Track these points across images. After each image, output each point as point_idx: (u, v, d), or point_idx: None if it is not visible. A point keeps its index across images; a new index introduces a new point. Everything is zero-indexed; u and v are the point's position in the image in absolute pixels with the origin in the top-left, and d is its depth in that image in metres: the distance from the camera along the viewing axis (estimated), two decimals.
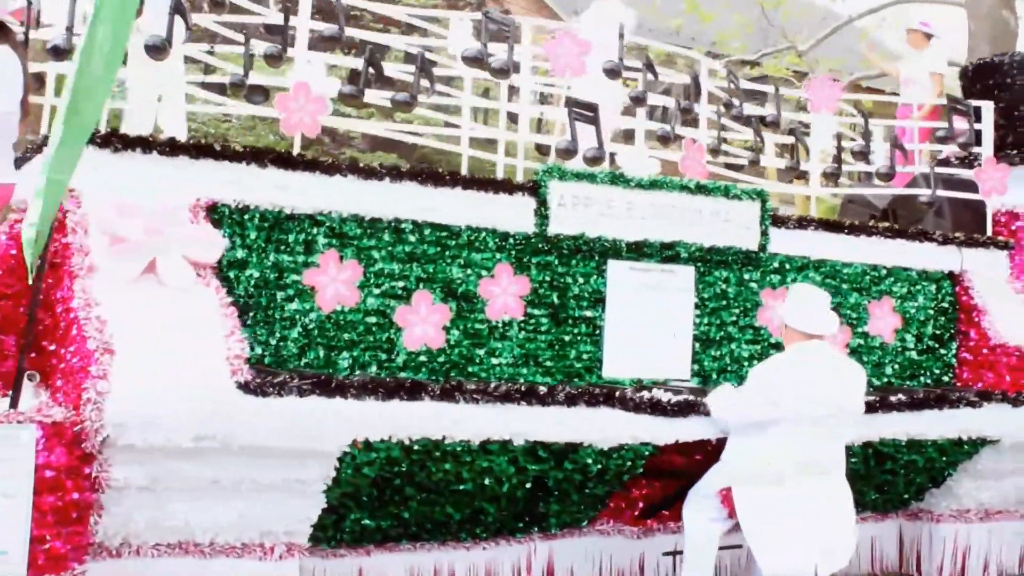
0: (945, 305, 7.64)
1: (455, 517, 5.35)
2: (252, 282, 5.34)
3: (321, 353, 5.51)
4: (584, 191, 6.13)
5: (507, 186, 5.94)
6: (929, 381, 7.52)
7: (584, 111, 6.32)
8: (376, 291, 5.63)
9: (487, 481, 5.19)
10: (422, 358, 5.75)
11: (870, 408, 5.93)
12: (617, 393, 5.22)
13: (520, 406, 4.95)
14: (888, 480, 6.59)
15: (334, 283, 5.53)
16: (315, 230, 5.50)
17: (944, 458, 6.56)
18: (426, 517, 5.29)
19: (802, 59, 17.01)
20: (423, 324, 5.74)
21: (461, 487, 5.17)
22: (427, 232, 5.77)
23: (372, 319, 5.61)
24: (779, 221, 6.86)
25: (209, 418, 4.22)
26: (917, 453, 6.38)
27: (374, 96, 6.16)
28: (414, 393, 4.71)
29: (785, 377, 5.12)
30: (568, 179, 6.08)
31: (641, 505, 6.01)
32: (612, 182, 6.20)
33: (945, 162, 8.67)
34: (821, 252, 7.06)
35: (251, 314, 5.32)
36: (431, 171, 5.72)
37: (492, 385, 4.92)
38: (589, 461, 5.32)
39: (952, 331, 7.65)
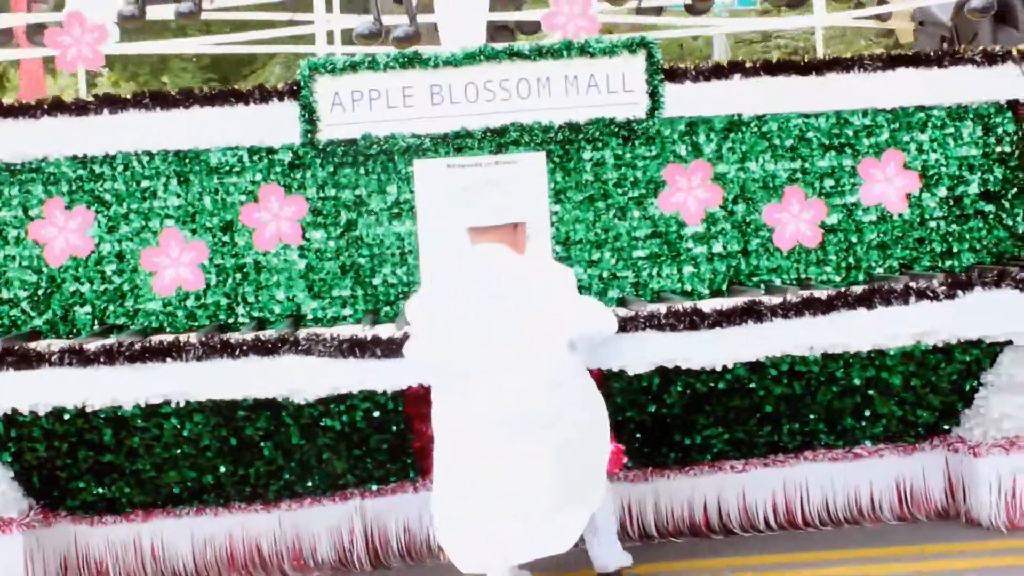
0: (1005, 149, 5.71)
1: (207, 480, 5.01)
2: None
3: (59, 311, 5.35)
4: (366, 82, 5.34)
5: (259, 94, 5.32)
6: (976, 259, 5.68)
7: None
8: (112, 236, 5.35)
9: (208, 443, 4.80)
10: (179, 302, 5.39)
11: (739, 315, 4.65)
12: (302, 336, 4.53)
13: (167, 363, 4.49)
14: (854, 405, 5.11)
15: (63, 233, 5.32)
16: (32, 178, 5.32)
17: (931, 374, 4.98)
18: (173, 482, 5.00)
19: None
20: (175, 266, 5.36)
21: (179, 451, 4.84)
22: (165, 163, 5.35)
23: (111, 267, 5.34)
24: (678, 75, 5.49)
25: None
26: (861, 367, 4.89)
27: (159, 13, 5.80)
28: (25, 362, 4.44)
29: (436, 313, 4.10)
30: (342, 71, 5.32)
31: None
32: (404, 65, 5.33)
33: None
34: (762, 104, 5.56)
35: None
36: (156, 93, 5.29)
37: (127, 343, 4.49)
38: (316, 413, 4.72)
39: (1021, 185, 5.71)
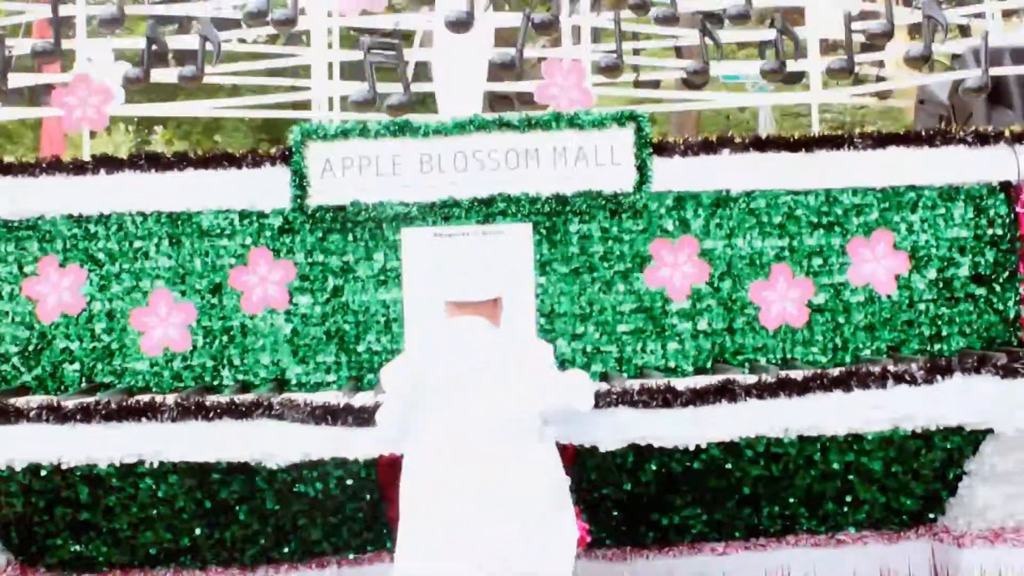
0: (997, 232, 5.70)
1: (184, 543, 5.05)
2: None
3: (48, 367, 5.47)
4: (357, 149, 5.45)
5: (252, 159, 5.45)
6: (966, 344, 5.65)
7: (383, 50, 5.60)
8: (103, 295, 5.47)
9: (183, 504, 4.86)
10: (166, 363, 5.49)
11: (713, 394, 4.65)
12: (276, 401, 4.60)
13: (142, 423, 4.57)
14: (835, 489, 5.07)
15: (56, 291, 5.45)
16: (28, 235, 5.46)
17: (912, 460, 4.94)
18: (150, 543, 5.04)
19: None
20: (163, 326, 5.46)
21: (155, 512, 4.90)
22: (158, 224, 5.48)
23: (101, 325, 5.45)
24: (666, 149, 5.56)
25: None
26: (839, 451, 4.86)
27: (162, 75, 5.96)
28: (3, 416, 4.56)
29: (411, 378, 4.15)
30: (333, 138, 5.43)
31: None
32: (395, 133, 5.44)
33: None
34: (751, 180, 5.59)
35: None
36: (152, 155, 5.43)
37: (104, 402, 4.59)
38: (289, 478, 4.78)
39: (1012, 269, 5.69)
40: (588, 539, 4.43)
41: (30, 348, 5.49)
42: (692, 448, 4.71)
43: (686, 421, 4.65)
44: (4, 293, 5.49)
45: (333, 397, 4.73)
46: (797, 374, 4.75)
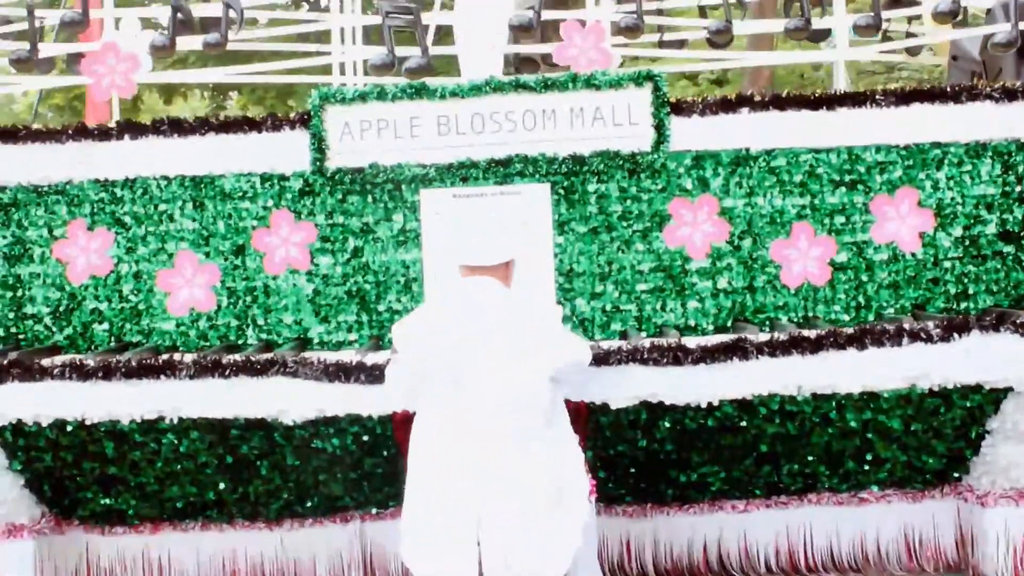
0: None
1: (209, 496, 5.18)
2: None
3: (79, 327, 5.62)
4: (375, 112, 5.51)
5: (272, 123, 5.54)
6: (993, 302, 5.58)
7: (401, 14, 5.65)
8: (130, 257, 5.60)
9: (206, 460, 4.98)
10: (191, 323, 5.63)
11: (724, 352, 4.65)
12: (290, 359, 4.68)
13: (161, 381, 4.69)
14: (855, 448, 5.06)
15: (85, 253, 5.59)
16: (57, 200, 5.60)
17: (932, 419, 4.90)
18: (176, 497, 5.18)
19: None
20: (189, 287, 5.59)
21: (179, 467, 5.02)
22: (182, 187, 5.60)
23: (129, 287, 5.59)
24: (684, 108, 5.53)
25: None
26: (856, 409, 4.84)
27: (187, 43, 6.06)
28: (29, 374, 4.69)
29: (422, 335, 4.19)
30: (352, 101, 5.49)
31: None
32: (412, 96, 5.48)
33: None
34: (771, 138, 5.56)
35: None
36: (175, 120, 5.53)
37: (125, 360, 4.71)
38: (306, 435, 4.86)
39: None
40: (595, 493, 4.47)
41: (61, 309, 5.66)
42: (705, 406, 4.73)
43: (697, 379, 4.66)
44: (35, 256, 5.66)
45: (348, 355, 4.81)
46: (811, 332, 4.73)
